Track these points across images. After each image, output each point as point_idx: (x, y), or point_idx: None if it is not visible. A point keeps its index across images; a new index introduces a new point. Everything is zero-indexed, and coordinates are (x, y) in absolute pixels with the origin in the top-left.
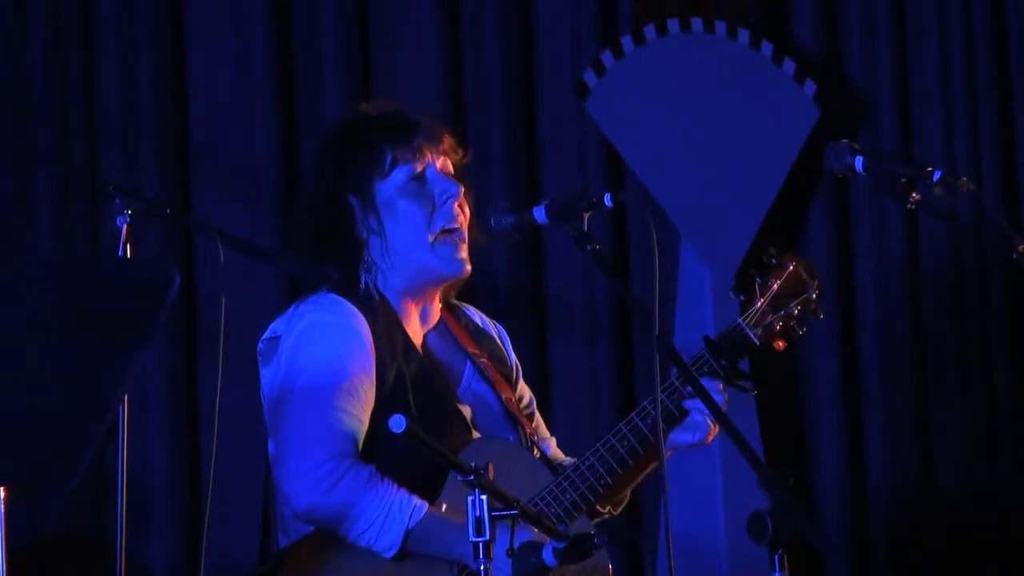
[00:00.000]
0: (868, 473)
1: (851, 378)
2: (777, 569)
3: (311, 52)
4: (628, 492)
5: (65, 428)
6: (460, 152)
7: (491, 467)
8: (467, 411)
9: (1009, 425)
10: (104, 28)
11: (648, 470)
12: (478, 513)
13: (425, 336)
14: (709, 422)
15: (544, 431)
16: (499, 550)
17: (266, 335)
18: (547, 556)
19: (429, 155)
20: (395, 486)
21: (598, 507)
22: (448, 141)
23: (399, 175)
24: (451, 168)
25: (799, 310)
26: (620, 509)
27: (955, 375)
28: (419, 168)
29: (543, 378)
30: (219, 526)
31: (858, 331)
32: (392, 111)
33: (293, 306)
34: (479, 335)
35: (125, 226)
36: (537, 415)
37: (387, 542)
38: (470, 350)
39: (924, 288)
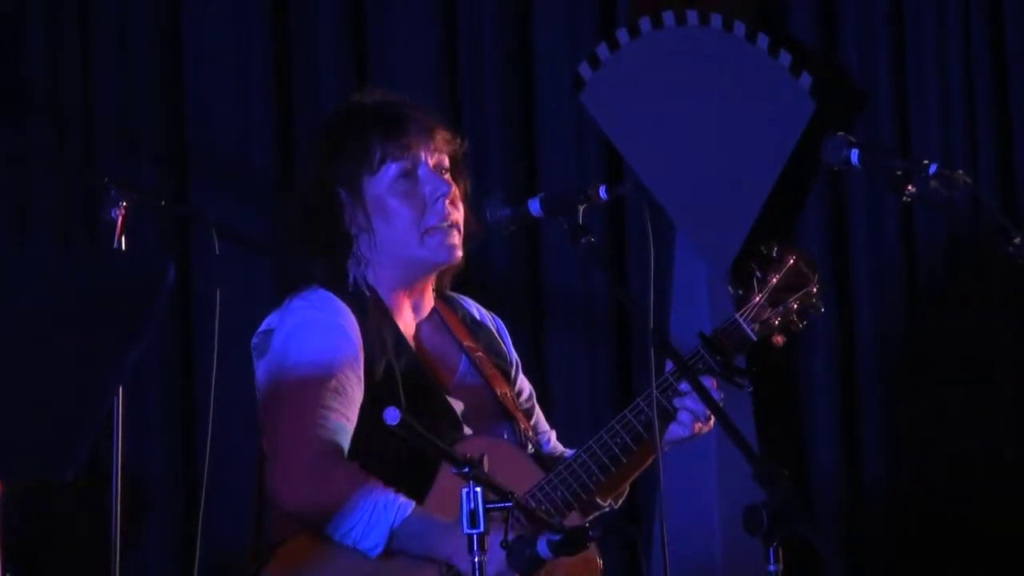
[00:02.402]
0: (864, 466)
1: (847, 371)
2: (772, 562)
3: (307, 47)
4: (627, 485)
5: (60, 423)
6: (455, 143)
7: (485, 459)
8: (458, 406)
9: (1009, 417)
10: (101, 22)
11: (646, 464)
12: (472, 505)
13: (418, 327)
14: (692, 417)
15: (544, 424)
16: (492, 543)
17: (260, 328)
18: (542, 548)
19: (420, 152)
20: (381, 485)
21: (598, 500)
22: (442, 135)
23: (388, 172)
24: (445, 162)
25: (798, 304)
26: (620, 502)
27: (952, 368)
28: (409, 165)
29: (541, 372)
30: (215, 520)
31: (854, 324)
32: (384, 103)
33: (287, 299)
34: (476, 328)
35: (120, 218)
36: (537, 408)
37: (372, 541)
38: (466, 343)
39: (920, 281)
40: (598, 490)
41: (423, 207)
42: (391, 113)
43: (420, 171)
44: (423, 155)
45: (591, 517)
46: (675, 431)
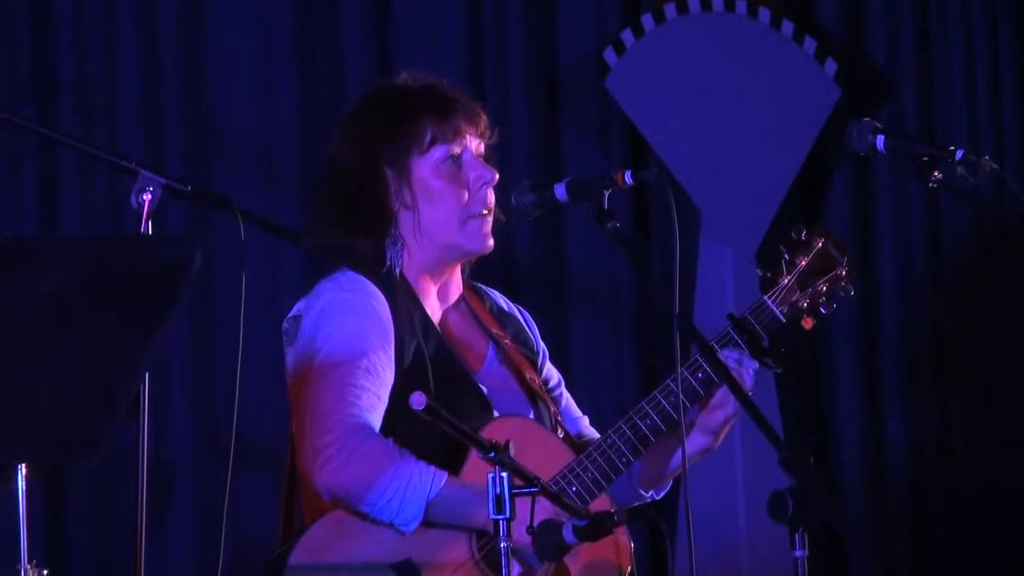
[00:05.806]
0: (888, 451)
1: (871, 356)
2: (798, 547)
3: (332, 30)
4: (670, 478)
5: (86, 406)
6: (492, 133)
7: (511, 444)
8: (487, 389)
9: None
10: (125, 7)
11: (697, 456)
12: (499, 490)
13: (444, 314)
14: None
15: (575, 410)
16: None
17: (290, 314)
18: (567, 534)
19: (467, 137)
20: (413, 458)
21: (640, 490)
22: (484, 122)
23: (436, 153)
24: (482, 149)
25: (827, 287)
26: (663, 493)
27: (976, 353)
28: (457, 150)
29: (564, 356)
30: (239, 505)
31: (878, 309)
32: (431, 85)
33: (318, 284)
34: (504, 318)
35: (147, 203)
36: (566, 394)
37: (409, 514)
38: (494, 331)
39: (945, 267)
40: (624, 471)
41: (468, 193)
42: (441, 96)
43: (465, 156)
44: (469, 140)
45: (631, 507)
46: (718, 415)
